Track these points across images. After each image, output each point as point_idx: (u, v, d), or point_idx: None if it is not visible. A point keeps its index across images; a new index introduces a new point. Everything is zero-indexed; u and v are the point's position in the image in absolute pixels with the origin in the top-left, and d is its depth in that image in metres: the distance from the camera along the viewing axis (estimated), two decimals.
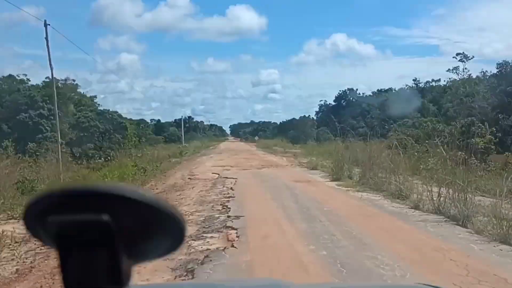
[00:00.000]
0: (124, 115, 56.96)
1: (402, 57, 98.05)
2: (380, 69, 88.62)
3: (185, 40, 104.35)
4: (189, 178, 12.05)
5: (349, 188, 9.06)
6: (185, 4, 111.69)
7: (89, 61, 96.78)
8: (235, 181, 10.69)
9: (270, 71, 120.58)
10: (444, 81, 49.58)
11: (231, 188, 9.44)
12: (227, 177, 11.50)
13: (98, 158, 27.97)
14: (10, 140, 26.61)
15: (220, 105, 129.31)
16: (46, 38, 15.58)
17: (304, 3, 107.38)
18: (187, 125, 76.83)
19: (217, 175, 12.25)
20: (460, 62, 50.22)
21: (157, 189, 10.94)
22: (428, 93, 52.79)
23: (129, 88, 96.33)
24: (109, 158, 23.95)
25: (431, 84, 58.32)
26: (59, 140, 15.99)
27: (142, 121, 66.33)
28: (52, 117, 31.43)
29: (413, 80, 56.98)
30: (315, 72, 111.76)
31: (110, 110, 37.18)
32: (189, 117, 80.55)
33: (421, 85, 58.18)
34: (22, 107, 30.39)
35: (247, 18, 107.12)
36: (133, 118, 62.21)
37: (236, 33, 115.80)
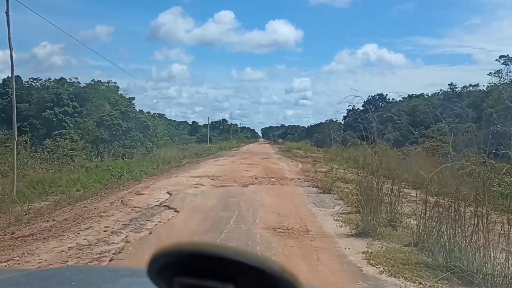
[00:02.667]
0: (170, 117, 54.88)
1: (433, 66, 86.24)
2: (410, 77, 79.18)
3: (227, 52, 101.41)
4: (121, 202, 6.50)
5: (401, 276, 2.89)
6: (229, 20, 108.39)
7: (146, 70, 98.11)
8: (167, 220, 4.92)
9: (303, 79, 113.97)
10: (484, 86, 39.90)
11: (121, 249, 3.71)
12: (168, 207, 5.74)
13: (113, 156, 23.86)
14: (28, 135, 22.63)
15: (255, 110, 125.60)
16: (7, 13, 10.94)
17: (338, 16, 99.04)
18: (221, 127, 73.01)
19: (168, 197, 6.60)
20: (504, 65, 40.45)
21: (53, 221, 5.54)
22: (465, 98, 43.53)
23: (178, 94, 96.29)
24: (107, 156, 19.51)
25: (468, 89, 48.19)
26: (15, 136, 11.30)
27: (183, 122, 63.85)
28: (77, 115, 28.09)
29: (449, 84, 47.27)
30: (345, 80, 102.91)
31: (136, 109, 33.23)
32: (223, 119, 76.88)
33: (458, 90, 48.17)
34: (48, 104, 27.05)
35: (284, 31, 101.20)
36: (177, 120, 60.11)
37: (273, 45, 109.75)
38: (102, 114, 27.57)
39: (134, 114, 28.92)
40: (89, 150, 25.02)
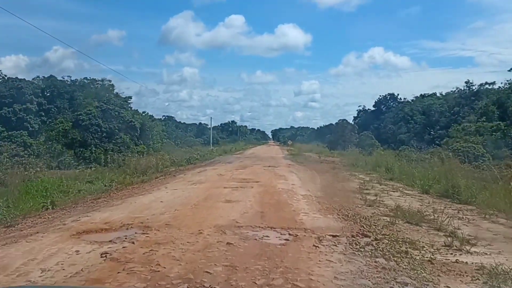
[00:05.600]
0: (181, 120, 49.83)
1: (437, 69, 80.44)
2: (415, 80, 75.00)
3: (237, 55, 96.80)
4: None
5: None
6: (240, 24, 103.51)
7: (157, 73, 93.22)
8: None
9: (311, 82, 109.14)
10: (502, 83, 34.51)
11: None
12: None
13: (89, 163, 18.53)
14: None
15: (265, 112, 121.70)
16: None
17: (346, 20, 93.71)
18: (229, 129, 68.30)
19: None
20: None
21: None
22: (483, 96, 37.81)
23: (188, 97, 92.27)
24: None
25: (484, 86, 42.21)
26: None
27: (192, 125, 59.27)
28: (43, 113, 22.66)
29: (465, 82, 41.71)
30: (352, 82, 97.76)
31: (132, 109, 27.86)
32: (232, 121, 72.35)
33: (474, 88, 42.04)
34: (6, 100, 21.39)
35: (293, 35, 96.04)
36: (187, 123, 56.14)
37: (282, 48, 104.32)
38: (79, 113, 22.24)
39: (117, 113, 23.48)
40: (60, 156, 19.48)
